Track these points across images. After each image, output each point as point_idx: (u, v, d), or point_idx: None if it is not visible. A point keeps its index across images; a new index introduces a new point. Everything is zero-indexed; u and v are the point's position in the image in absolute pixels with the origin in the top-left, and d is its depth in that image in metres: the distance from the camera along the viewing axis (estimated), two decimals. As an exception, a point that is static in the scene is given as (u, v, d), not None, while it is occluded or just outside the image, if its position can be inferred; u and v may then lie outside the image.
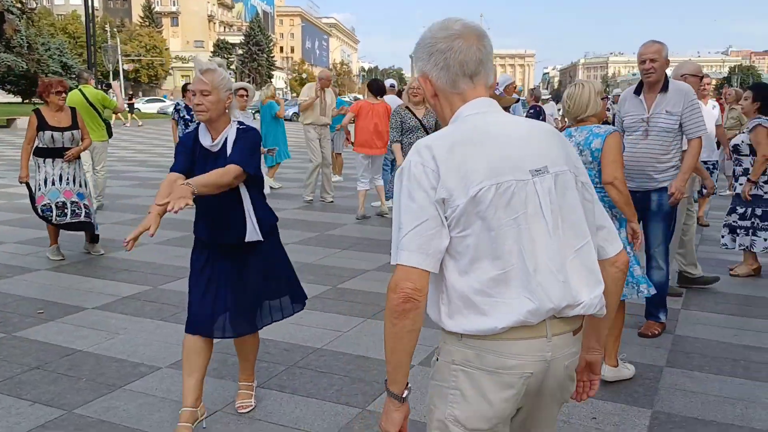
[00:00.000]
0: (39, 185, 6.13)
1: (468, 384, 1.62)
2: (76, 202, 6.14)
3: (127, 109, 31.13)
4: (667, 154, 4.31)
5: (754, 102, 5.74)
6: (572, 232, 1.64)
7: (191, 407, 3.05)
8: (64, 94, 6.14)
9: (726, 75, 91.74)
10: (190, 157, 3.01)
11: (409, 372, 1.64)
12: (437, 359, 1.69)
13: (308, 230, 7.85)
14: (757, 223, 5.78)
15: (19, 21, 41.45)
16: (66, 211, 6.05)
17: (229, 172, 2.86)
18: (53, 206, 6.02)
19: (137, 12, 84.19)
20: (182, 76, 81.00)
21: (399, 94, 11.87)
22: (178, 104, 9.39)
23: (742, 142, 5.86)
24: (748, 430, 3.21)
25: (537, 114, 12.66)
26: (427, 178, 1.56)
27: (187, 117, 8.92)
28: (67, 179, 6.18)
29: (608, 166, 3.41)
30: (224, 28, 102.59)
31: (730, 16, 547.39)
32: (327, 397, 3.51)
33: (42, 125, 6.01)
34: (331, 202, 9.86)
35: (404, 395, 1.63)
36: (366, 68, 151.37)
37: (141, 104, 45.15)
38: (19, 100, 45.64)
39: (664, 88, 4.30)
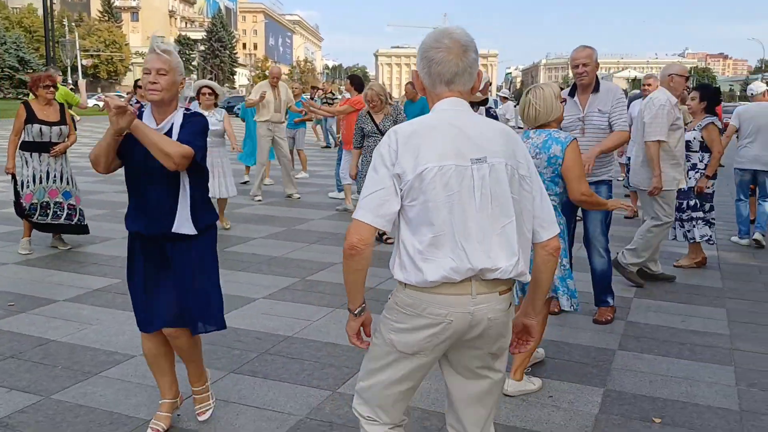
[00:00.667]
0: (27, 182, 6.15)
1: (404, 319, 2.05)
2: (60, 203, 6.21)
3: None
4: None
5: (701, 102, 6.10)
6: (499, 212, 2.00)
7: (170, 399, 3.14)
8: (52, 88, 6.14)
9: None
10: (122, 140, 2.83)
11: (361, 296, 2.11)
12: (389, 299, 2.12)
13: (276, 225, 7.96)
14: (691, 214, 6.16)
15: (-26, 14, 40.57)
16: (48, 212, 6.14)
17: (176, 146, 2.71)
18: (38, 206, 6.11)
19: (96, 6, 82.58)
20: (143, 72, 79.60)
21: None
22: (133, 101, 9.34)
23: (694, 138, 6.19)
24: (692, 405, 3.47)
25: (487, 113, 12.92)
26: (390, 157, 1.99)
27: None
28: (54, 176, 6.23)
29: (574, 182, 3.41)
30: (186, 23, 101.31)
31: (687, 19, 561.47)
32: (298, 381, 3.66)
33: (30, 118, 6.02)
34: (299, 198, 9.94)
35: (356, 311, 2.13)
36: (330, 66, 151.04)
37: (95, 100, 44.30)
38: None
39: (596, 89, 4.64)
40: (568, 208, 4.46)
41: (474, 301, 2.00)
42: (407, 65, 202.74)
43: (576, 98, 4.69)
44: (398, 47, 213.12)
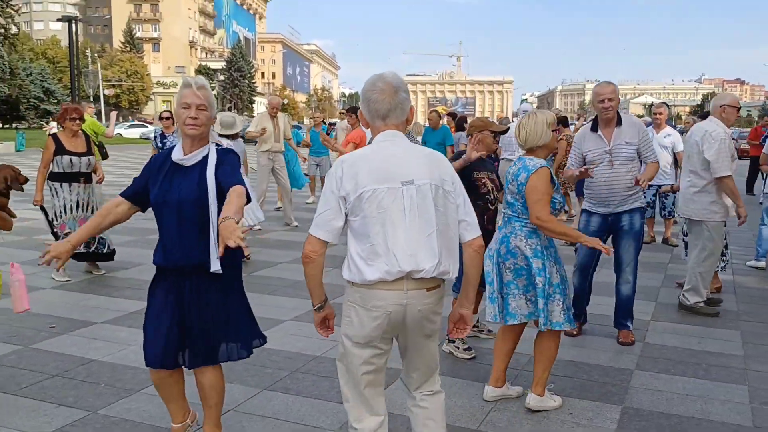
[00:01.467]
0: (60, 213, 6.41)
1: (354, 315, 2.52)
2: None
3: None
4: (630, 178, 4.77)
5: None
6: (425, 224, 2.45)
7: (179, 423, 3.22)
8: (79, 121, 6.42)
9: (699, 102, 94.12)
10: (144, 182, 2.97)
11: (320, 294, 2.62)
12: (346, 302, 2.57)
13: (299, 250, 8.16)
14: None
15: (1, 46, 41.77)
16: None
17: (241, 193, 2.69)
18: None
19: (118, 38, 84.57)
20: (163, 101, 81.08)
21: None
22: (155, 131, 9.48)
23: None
24: (707, 421, 3.61)
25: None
26: (336, 183, 2.48)
27: (159, 144, 8.85)
28: (83, 206, 6.49)
29: (532, 207, 3.52)
30: (206, 54, 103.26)
31: (703, 46, 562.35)
32: (329, 398, 3.85)
33: (59, 150, 6.29)
34: (297, 226, 9.94)
35: (317, 307, 2.65)
36: (347, 93, 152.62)
37: (124, 129, 45.25)
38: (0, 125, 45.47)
39: (618, 122, 4.79)
40: (599, 234, 4.66)
41: (406, 296, 2.47)
42: (423, 92, 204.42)
43: (599, 132, 4.83)
44: (414, 75, 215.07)
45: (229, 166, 2.87)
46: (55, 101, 47.83)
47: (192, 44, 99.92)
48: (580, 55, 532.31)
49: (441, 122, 11.19)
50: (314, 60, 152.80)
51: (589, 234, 3.99)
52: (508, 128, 4.89)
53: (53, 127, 31.25)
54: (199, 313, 2.92)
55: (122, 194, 3.04)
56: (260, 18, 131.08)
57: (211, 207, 2.82)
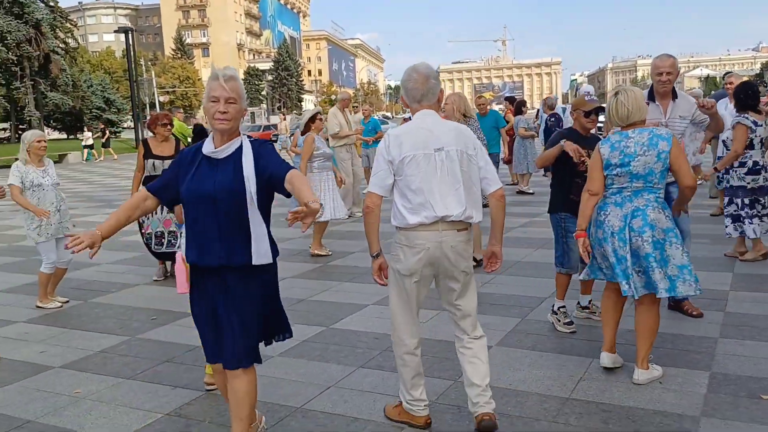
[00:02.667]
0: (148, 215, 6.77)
1: (401, 252, 3.18)
2: (174, 232, 6.60)
3: (102, 143, 32.39)
4: None
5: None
6: (453, 180, 3.11)
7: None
8: (168, 126, 6.72)
9: (758, 71, 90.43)
10: (173, 176, 2.89)
11: (377, 243, 3.20)
12: (394, 243, 3.21)
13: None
14: (748, 212, 6.25)
15: (64, 60, 43.49)
16: (163, 240, 6.62)
17: (303, 177, 2.72)
18: (153, 236, 6.64)
19: (169, 45, 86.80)
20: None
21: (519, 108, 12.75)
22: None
23: (727, 138, 6.30)
24: (798, 384, 3.66)
25: (557, 122, 12.87)
26: (385, 150, 3.15)
27: None
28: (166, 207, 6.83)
29: (687, 172, 3.72)
30: (253, 55, 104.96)
31: (761, 12, 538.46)
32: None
33: (147, 154, 6.67)
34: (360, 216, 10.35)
35: (374, 255, 3.23)
36: (392, 86, 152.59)
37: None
38: (65, 136, 47.35)
39: (674, 96, 4.86)
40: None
41: (441, 235, 3.12)
42: (469, 80, 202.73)
43: (657, 103, 4.89)
44: (459, 62, 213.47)
45: (273, 155, 2.79)
46: (116, 110, 49.56)
47: (240, 47, 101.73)
48: (630, 30, 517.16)
49: (490, 107, 11.43)
50: (359, 54, 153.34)
51: (669, 203, 4.06)
52: (602, 106, 4.93)
53: (89, 137, 32.68)
54: (237, 312, 2.82)
55: (149, 188, 2.96)
56: (304, 16, 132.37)
57: (249, 199, 2.73)
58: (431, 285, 3.29)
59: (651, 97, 4.92)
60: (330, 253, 7.72)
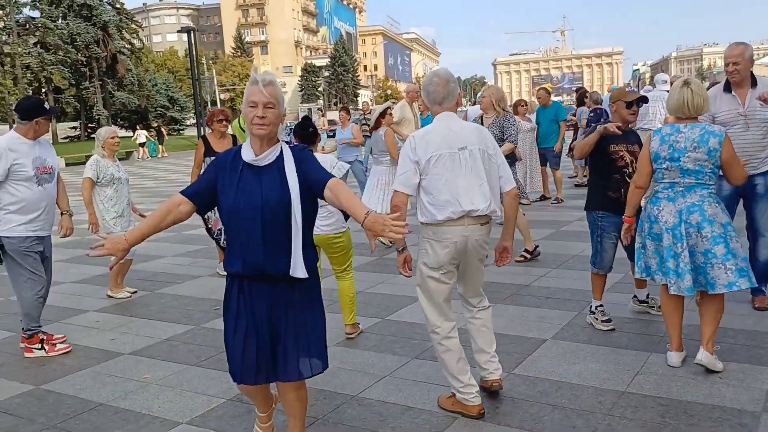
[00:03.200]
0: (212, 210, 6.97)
1: (430, 247, 3.37)
2: None
3: (157, 141, 32.95)
4: (765, 140, 4.65)
5: None
6: (477, 177, 3.30)
7: (268, 411, 3.18)
8: (225, 122, 6.86)
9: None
10: (212, 182, 2.77)
11: (403, 239, 3.16)
12: (421, 242, 3.41)
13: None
14: None
15: (129, 61, 45.17)
16: None
17: (345, 186, 2.71)
18: (221, 231, 6.82)
19: (229, 44, 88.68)
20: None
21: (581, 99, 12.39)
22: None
23: None
24: None
25: (597, 118, 12.33)
26: (411, 151, 3.33)
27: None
28: None
29: (738, 169, 3.72)
30: (310, 52, 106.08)
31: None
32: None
33: (208, 151, 6.87)
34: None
35: (401, 248, 3.40)
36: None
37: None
38: (131, 134, 49.05)
39: (753, 83, 4.65)
40: (731, 199, 4.62)
41: (466, 230, 3.31)
42: (527, 71, 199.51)
43: (733, 93, 4.71)
44: (516, 54, 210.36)
45: (314, 161, 2.77)
46: (179, 108, 51.08)
47: (297, 44, 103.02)
48: (695, 17, 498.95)
49: (551, 99, 11.14)
50: (414, 48, 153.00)
51: (721, 198, 3.97)
52: (646, 97, 4.83)
53: (144, 134, 33.60)
54: (284, 325, 2.76)
55: (184, 193, 2.81)
56: (360, 12, 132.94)
57: (294, 208, 2.67)
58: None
59: (727, 87, 4.75)
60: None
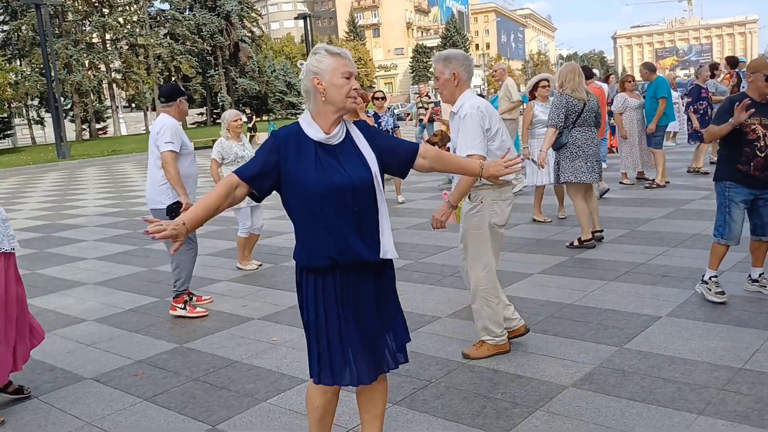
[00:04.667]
0: None
1: (497, 207, 3.85)
2: None
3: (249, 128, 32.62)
4: None
5: None
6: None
7: None
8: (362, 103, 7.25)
9: None
10: (274, 165, 2.46)
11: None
12: (481, 201, 3.83)
13: (527, 212, 8.44)
14: None
15: (251, 48, 47.30)
16: None
17: (442, 150, 2.71)
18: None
19: (342, 27, 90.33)
20: (384, 83, 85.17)
21: (607, 79, 11.77)
22: (367, 112, 9.82)
23: None
24: None
25: (698, 94, 11.15)
26: (480, 120, 3.74)
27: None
28: None
29: None
30: (422, 33, 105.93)
31: None
32: (586, 338, 4.15)
33: None
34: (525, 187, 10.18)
35: (456, 205, 3.78)
36: (564, 56, 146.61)
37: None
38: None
39: None
40: None
41: (513, 188, 3.96)
42: (649, 44, 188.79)
43: None
44: (638, 26, 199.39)
45: (388, 135, 2.68)
46: (296, 93, 52.88)
47: (408, 25, 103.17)
48: None
49: (655, 75, 10.41)
50: (528, 24, 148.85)
51: None
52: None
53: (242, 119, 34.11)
54: (380, 311, 2.59)
55: (241, 176, 2.48)
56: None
57: (377, 184, 2.50)
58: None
59: None
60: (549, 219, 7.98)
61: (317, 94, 2.46)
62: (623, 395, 3.35)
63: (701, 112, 10.80)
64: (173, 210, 4.95)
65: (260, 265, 6.81)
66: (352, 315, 2.51)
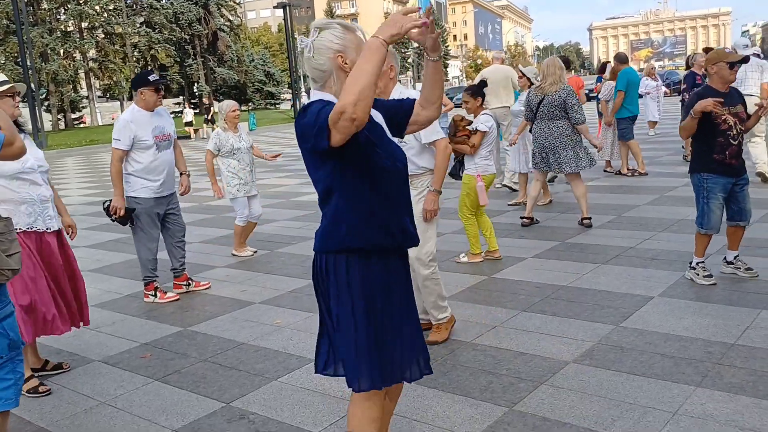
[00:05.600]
0: None
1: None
2: None
3: (206, 119, 31.32)
4: None
5: None
6: None
7: None
8: None
9: None
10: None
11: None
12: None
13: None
14: None
15: (229, 37, 46.94)
16: None
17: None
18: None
19: (320, 17, 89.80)
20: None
21: (603, 69, 11.84)
22: None
23: None
24: None
25: (693, 81, 11.25)
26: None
27: None
28: None
29: None
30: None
31: None
32: (583, 317, 4.29)
33: None
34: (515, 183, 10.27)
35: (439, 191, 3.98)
36: (540, 47, 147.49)
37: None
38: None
39: None
40: None
41: None
42: (624, 36, 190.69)
43: None
44: (614, 18, 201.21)
45: (379, 99, 2.39)
46: (275, 83, 52.63)
47: (386, 15, 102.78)
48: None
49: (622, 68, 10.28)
50: (505, 15, 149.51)
51: None
52: (748, 57, 4.80)
53: (190, 113, 33.24)
54: (413, 301, 2.38)
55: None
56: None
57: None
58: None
59: None
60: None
61: (342, 73, 2.18)
62: (623, 369, 3.50)
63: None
64: (106, 210, 5.24)
65: (255, 252, 6.86)
66: (400, 305, 2.27)
